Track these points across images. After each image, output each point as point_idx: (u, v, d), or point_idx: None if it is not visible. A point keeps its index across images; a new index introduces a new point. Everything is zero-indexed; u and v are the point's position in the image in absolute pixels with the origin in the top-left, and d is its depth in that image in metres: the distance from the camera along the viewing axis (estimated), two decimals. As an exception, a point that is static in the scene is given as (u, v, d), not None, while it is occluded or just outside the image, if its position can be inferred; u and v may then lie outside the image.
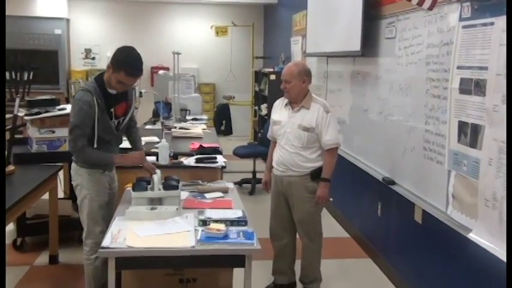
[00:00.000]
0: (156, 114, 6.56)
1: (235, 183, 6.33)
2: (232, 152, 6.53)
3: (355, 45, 4.26)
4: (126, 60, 2.93)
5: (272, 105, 3.67)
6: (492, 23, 2.53)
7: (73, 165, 3.09)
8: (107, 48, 11.13)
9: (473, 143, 2.67)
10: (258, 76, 9.47)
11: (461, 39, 2.81)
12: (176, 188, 2.94)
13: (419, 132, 3.35)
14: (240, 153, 6.49)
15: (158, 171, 3.05)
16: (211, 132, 5.38)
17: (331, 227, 5.11)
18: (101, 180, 3.06)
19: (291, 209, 3.51)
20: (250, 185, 6.42)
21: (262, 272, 3.74)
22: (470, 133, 2.71)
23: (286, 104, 3.47)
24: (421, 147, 3.33)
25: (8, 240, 4.35)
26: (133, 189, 2.89)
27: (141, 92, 5.79)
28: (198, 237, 2.48)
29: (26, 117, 4.33)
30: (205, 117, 6.97)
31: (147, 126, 5.97)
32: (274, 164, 3.54)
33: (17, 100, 3.80)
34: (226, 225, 2.61)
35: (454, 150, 2.86)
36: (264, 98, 8.81)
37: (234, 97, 10.18)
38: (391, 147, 3.82)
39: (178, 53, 6.62)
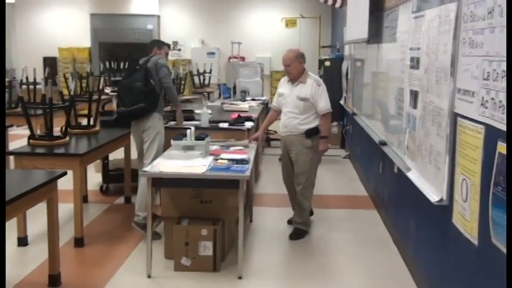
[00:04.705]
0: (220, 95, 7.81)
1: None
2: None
3: (365, 33, 5.16)
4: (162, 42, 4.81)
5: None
6: (424, 15, 3.40)
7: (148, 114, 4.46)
8: (191, 41, 12.63)
9: (414, 105, 3.55)
10: (320, 64, 10.38)
11: (412, 28, 3.68)
12: (203, 139, 4.08)
13: (396, 101, 4.23)
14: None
15: (193, 128, 4.19)
16: (257, 108, 6.48)
17: (356, 189, 6.06)
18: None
19: (292, 163, 4.48)
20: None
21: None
22: (413, 98, 3.59)
23: (288, 80, 4.48)
24: (397, 113, 4.21)
25: (97, 187, 5.77)
26: (173, 139, 4.08)
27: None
28: (208, 168, 3.62)
29: (111, 93, 5.71)
30: (263, 98, 8.09)
31: (208, 103, 7.19)
32: (280, 127, 4.55)
33: (102, 79, 5.16)
34: (232, 162, 3.72)
35: (407, 112, 3.74)
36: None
37: (301, 83, 11.19)
38: (385, 114, 4.72)
39: (239, 43, 7.78)
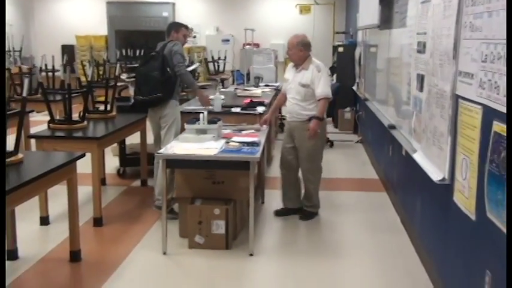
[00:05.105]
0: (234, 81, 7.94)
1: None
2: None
3: (376, 19, 5.23)
4: (179, 24, 4.95)
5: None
6: (430, 0, 3.47)
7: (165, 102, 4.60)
8: (206, 28, 12.75)
9: (421, 88, 3.64)
10: (334, 50, 10.44)
11: (419, 12, 3.76)
12: (215, 123, 4.21)
13: (405, 86, 4.31)
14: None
15: (205, 112, 4.33)
16: (270, 94, 6.60)
17: (367, 172, 6.17)
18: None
19: (297, 148, 4.53)
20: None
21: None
22: (420, 81, 3.68)
23: (293, 66, 4.55)
24: (407, 97, 4.29)
25: (114, 170, 5.96)
26: (187, 123, 4.22)
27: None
28: (220, 150, 3.76)
29: (126, 80, 5.87)
30: (277, 84, 8.19)
31: (222, 89, 7.32)
32: (286, 112, 4.64)
33: (118, 66, 5.31)
34: (243, 144, 3.86)
35: (414, 95, 3.83)
36: (334, 68, 9.76)
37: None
38: (396, 99, 4.80)
39: (252, 30, 7.87)
